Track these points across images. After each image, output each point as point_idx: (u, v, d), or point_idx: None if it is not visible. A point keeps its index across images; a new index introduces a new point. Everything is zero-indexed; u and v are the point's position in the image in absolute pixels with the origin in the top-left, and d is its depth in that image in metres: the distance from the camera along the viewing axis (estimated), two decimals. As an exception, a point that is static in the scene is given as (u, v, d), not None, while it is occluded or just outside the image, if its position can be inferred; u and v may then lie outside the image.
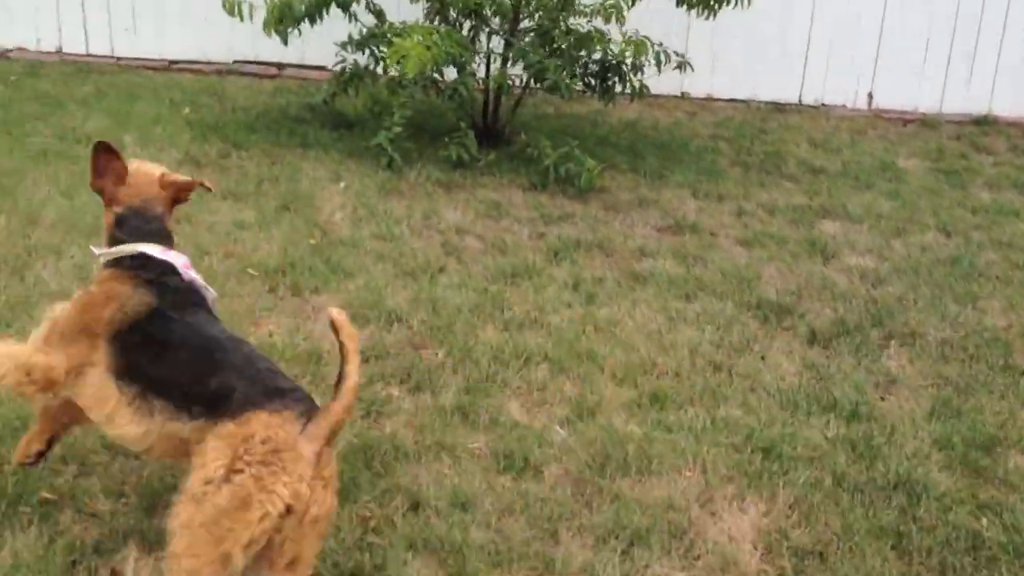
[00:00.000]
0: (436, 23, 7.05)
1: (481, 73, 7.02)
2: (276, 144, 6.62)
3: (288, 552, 2.48)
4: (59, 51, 8.58)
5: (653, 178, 6.79)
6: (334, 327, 2.56)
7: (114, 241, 2.90)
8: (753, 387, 4.20)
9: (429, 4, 7.19)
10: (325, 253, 4.99)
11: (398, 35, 6.22)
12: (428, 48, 5.97)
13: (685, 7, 6.67)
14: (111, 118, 6.80)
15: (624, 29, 6.81)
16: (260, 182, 5.89)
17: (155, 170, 2.98)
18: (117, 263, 2.84)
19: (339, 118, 7.34)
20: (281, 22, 6.25)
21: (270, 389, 2.56)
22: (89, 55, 8.59)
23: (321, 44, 7.22)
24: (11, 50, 8.46)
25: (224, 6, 6.50)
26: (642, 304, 4.87)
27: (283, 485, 2.38)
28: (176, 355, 2.67)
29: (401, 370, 4.00)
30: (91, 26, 8.57)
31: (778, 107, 8.97)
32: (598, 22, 6.99)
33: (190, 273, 2.91)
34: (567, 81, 6.47)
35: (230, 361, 2.63)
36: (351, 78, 7.13)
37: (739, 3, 6.52)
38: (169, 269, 2.85)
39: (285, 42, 6.46)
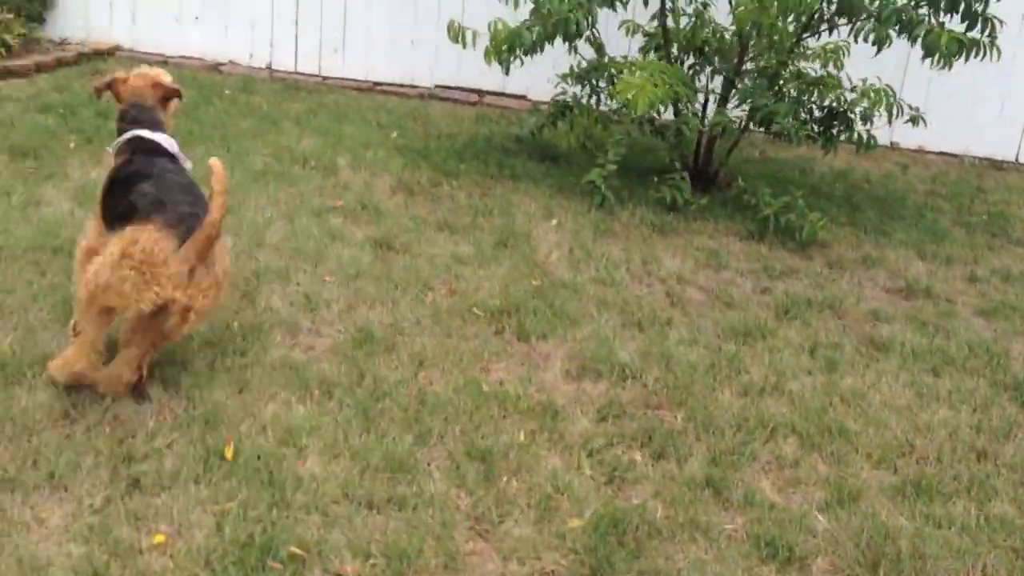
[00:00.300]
0: (653, 58, 6.84)
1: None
2: (485, 175, 6.47)
3: (170, 326, 3.32)
4: (269, 67, 8.69)
5: (875, 234, 6.41)
6: (212, 170, 3.23)
7: (120, 132, 3.64)
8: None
9: (647, 39, 6.98)
10: (548, 296, 4.78)
11: (622, 70, 6.01)
12: (655, 86, 5.72)
13: (927, 60, 6.15)
14: (323, 138, 6.77)
15: (842, 73, 6.51)
16: (474, 214, 5.73)
17: (151, 74, 3.76)
18: (121, 149, 3.57)
19: (545, 150, 7.17)
20: (509, 51, 6.08)
21: (167, 206, 3.25)
22: (297, 73, 8.66)
23: (522, 73, 7.03)
24: (224, 64, 8.58)
25: (448, 33, 6.40)
26: (887, 376, 4.50)
27: (153, 292, 3.16)
28: (125, 190, 3.39)
29: (642, 433, 3.73)
30: (302, 45, 8.64)
31: (994, 164, 8.50)
32: (815, 65, 6.70)
33: (174, 146, 3.66)
34: (796, 127, 6.11)
35: (159, 187, 3.34)
36: (563, 110, 6.96)
37: (987, 54, 6.04)
38: (155, 145, 3.57)
39: (507, 71, 6.32)
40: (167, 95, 3.79)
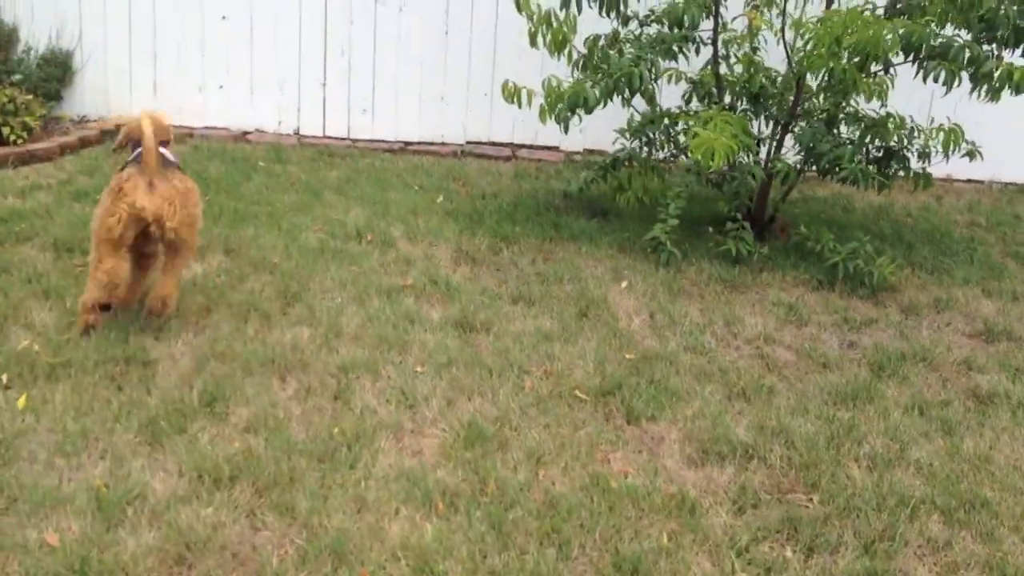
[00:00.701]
0: (696, 105, 6.72)
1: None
2: (542, 237, 6.30)
3: (168, 242, 4.37)
4: (296, 133, 8.51)
5: (937, 274, 6.32)
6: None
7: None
8: None
9: (691, 86, 6.85)
10: (645, 371, 4.59)
11: (678, 121, 5.89)
12: (724, 138, 5.56)
13: (977, 93, 5.98)
14: (370, 208, 6.59)
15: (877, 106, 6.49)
16: (544, 282, 5.56)
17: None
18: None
19: (594, 205, 7.03)
20: (573, 110, 5.92)
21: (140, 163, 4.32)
22: (326, 137, 8.49)
23: (552, 123, 6.79)
24: (251, 132, 8.40)
25: (503, 94, 6.25)
26: (1004, 434, 4.35)
27: (124, 204, 4.17)
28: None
29: (785, 524, 3.54)
30: (330, 107, 8.48)
31: (1022, 189, 8.60)
32: (861, 99, 6.59)
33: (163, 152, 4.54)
34: (861, 170, 5.96)
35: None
36: (612, 164, 6.82)
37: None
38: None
39: (566, 130, 6.15)
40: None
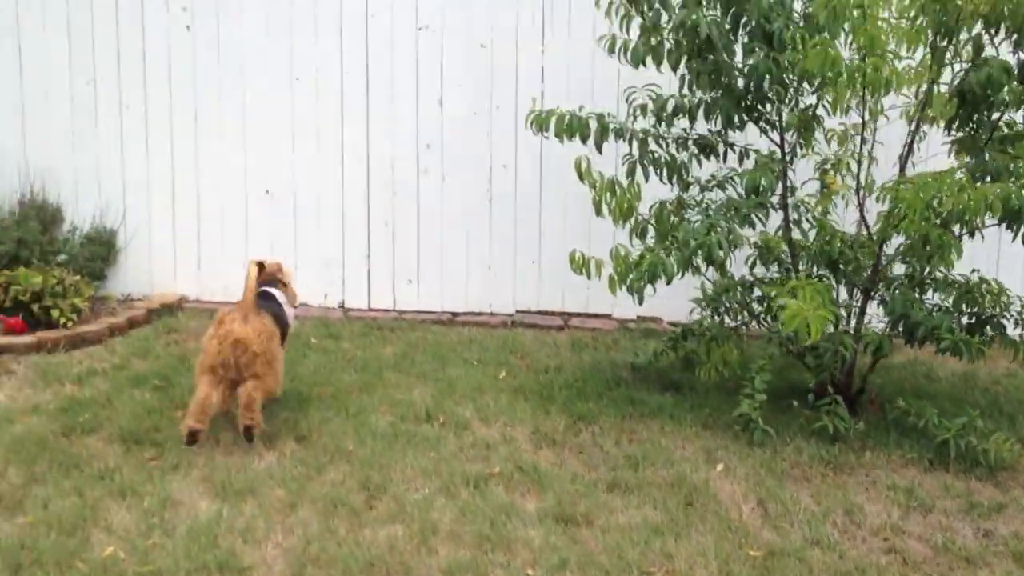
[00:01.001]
0: (762, 271, 6.42)
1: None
2: (620, 415, 5.90)
3: (250, 369, 5.03)
4: (342, 306, 8.21)
5: (1047, 449, 5.83)
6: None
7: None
8: None
9: (755, 251, 6.53)
10: (775, 570, 4.13)
11: (774, 290, 5.57)
12: (816, 309, 5.20)
13: None
14: (433, 386, 6.22)
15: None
16: (636, 467, 5.12)
17: (274, 266, 5.85)
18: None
19: (663, 377, 6.64)
20: (651, 281, 5.59)
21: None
22: (371, 309, 8.18)
23: (603, 291, 6.37)
24: (296, 307, 8.07)
25: (571, 264, 5.96)
26: None
27: (222, 330, 5.04)
28: None
29: None
30: (375, 279, 8.19)
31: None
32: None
33: (282, 297, 5.74)
34: (966, 340, 5.60)
35: None
36: (683, 335, 6.47)
37: None
38: (272, 295, 5.61)
39: (640, 301, 5.78)
40: (283, 278, 5.91)
